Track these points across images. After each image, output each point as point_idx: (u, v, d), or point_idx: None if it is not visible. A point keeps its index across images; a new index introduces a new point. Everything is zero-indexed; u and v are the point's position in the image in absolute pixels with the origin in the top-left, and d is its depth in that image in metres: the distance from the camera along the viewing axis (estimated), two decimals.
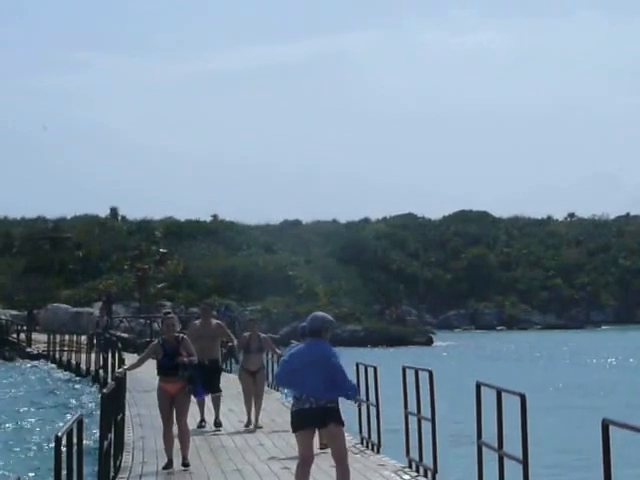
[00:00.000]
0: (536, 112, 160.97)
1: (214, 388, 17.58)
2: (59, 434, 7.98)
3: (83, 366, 39.82)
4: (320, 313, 10.00)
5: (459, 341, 71.98)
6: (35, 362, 49.81)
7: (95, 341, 40.08)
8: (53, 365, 47.17)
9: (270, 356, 23.37)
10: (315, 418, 9.58)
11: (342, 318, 71.77)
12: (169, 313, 14.62)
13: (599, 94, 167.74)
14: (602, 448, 7.49)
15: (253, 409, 18.11)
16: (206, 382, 15.50)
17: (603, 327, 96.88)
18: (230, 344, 18.96)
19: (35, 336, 56.01)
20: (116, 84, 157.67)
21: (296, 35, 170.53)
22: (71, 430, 8.60)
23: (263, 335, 18.55)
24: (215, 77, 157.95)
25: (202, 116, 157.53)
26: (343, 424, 9.82)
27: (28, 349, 53.99)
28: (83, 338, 43.95)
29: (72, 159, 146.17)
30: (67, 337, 46.32)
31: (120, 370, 16.86)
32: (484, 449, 10.96)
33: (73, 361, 42.86)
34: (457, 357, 55.27)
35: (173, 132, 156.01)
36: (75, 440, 8.82)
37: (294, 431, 9.82)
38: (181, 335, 13.79)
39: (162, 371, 13.47)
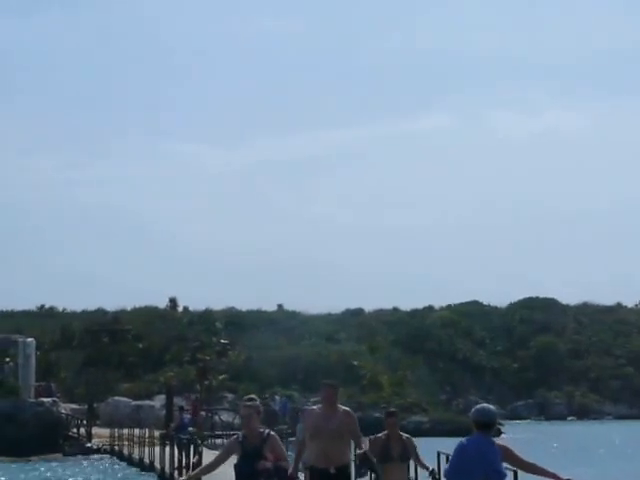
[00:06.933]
0: (610, 198, 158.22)
1: None
2: None
3: (147, 460, 38.39)
4: (488, 405, 9.05)
5: (527, 433, 69.36)
6: (95, 456, 48.81)
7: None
8: (115, 459, 46.23)
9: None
10: None
11: (407, 409, 70.19)
12: (252, 399, 10.37)
13: None
14: None
15: None
16: None
17: None
18: (360, 451, 11.43)
19: (95, 430, 55.42)
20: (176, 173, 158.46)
21: (361, 119, 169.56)
22: None
23: (406, 436, 13.06)
24: (286, 164, 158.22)
25: (263, 206, 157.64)
26: None
27: (88, 444, 53.10)
28: (137, 431, 43.35)
29: (129, 251, 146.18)
30: (126, 431, 46.44)
31: None
32: None
33: (136, 456, 41.65)
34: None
35: (235, 223, 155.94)
36: None
37: None
38: (267, 431, 10.19)
39: (239, 477, 10.05)
